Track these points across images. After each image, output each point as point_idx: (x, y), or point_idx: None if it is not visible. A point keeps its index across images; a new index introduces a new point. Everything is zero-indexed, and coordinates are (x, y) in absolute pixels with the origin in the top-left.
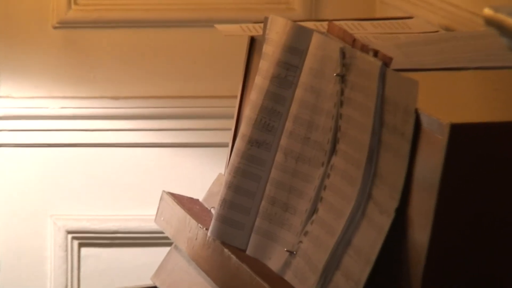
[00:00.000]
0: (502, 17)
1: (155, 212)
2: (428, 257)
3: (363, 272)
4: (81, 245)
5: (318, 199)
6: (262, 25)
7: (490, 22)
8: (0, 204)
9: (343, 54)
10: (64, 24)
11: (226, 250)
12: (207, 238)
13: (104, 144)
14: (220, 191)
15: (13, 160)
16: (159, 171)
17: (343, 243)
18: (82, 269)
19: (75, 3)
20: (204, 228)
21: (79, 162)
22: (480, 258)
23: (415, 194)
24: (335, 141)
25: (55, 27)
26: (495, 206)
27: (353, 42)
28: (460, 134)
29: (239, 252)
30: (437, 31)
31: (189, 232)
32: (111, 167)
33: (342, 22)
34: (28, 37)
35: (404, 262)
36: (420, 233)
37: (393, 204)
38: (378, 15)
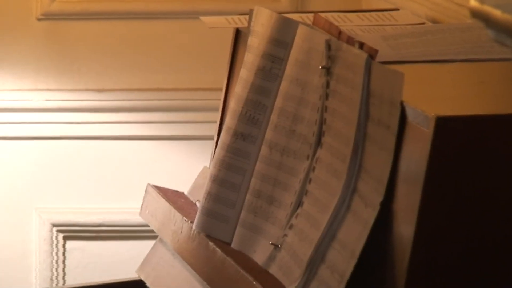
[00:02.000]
0: (488, 8)
1: (140, 205)
2: (413, 250)
3: (348, 265)
4: (66, 238)
5: (303, 192)
6: (247, 17)
7: (476, 14)
8: None
9: (328, 46)
10: (48, 16)
11: (211, 243)
12: (192, 231)
13: (89, 137)
14: (205, 184)
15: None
16: (144, 164)
17: (328, 236)
18: (67, 262)
19: None
20: (189, 221)
21: (64, 155)
22: (465, 252)
23: (400, 187)
24: (320, 134)
25: (39, 19)
26: (481, 199)
27: (339, 34)
28: (446, 126)
29: (224, 245)
30: (423, 23)
31: (174, 225)
32: (96, 160)
33: (328, 14)
34: (12, 28)
35: (389, 256)
36: (405, 226)
37: (378, 197)
38: (364, 7)
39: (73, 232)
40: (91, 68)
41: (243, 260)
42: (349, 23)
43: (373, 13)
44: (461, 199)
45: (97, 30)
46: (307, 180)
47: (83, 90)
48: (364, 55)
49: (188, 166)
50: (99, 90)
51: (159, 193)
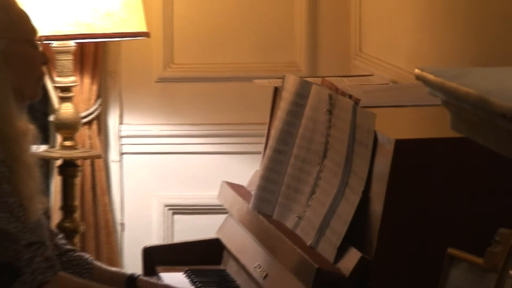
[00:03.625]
0: (426, 74)
1: (217, 193)
2: (382, 221)
3: (343, 229)
4: (173, 213)
5: (315, 185)
6: (281, 80)
7: (419, 78)
8: (128, 189)
9: (330, 97)
10: (162, 79)
11: (260, 216)
12: (249, 209)
13: (186, 152)
14: (257, 181)
15: (133, 163)
16: (220, 169)
17: (331, 212)
18: (174, 229)
19: (170, 66)
20: (247, 203)
21: (172, 163)
22: (414, 222)
23: (374, 182)
24: (325, 150)
25: (156, 81)
26: (425, 190)
27: (336, 90)
28: (401, 145)
29: (268, 217)
30: (387, 83)
31: (238, 205)
32: (191, 165)
33: (330, 78)
34: (138, 87)
35: (367, 224)
36: (376, 206)
37: (361, 188)
38: (352, 73)
39: (178, 210)
40: (187, 111)
41: (280, 226)
42: (343, 83)
43: (357, 77)
44: (412, 190)
45: (192, 88)
46: (318, 178)
47: (182, 124)
48: (351, 103)
49: (246, 170)
50: (192, 124)
51: (228, 186)
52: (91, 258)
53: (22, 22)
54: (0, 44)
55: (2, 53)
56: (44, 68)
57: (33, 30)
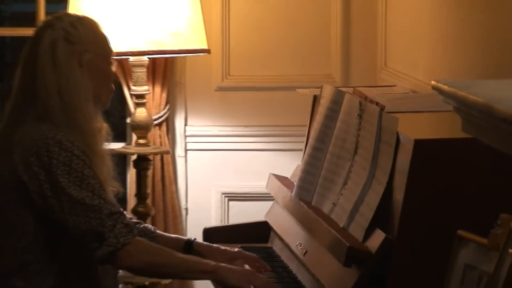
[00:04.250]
0: (440, 85)
1: (266, 183)
2: (402, 208)
3: (370, 214)
4: (229, 200)
5: (347, 177)
6: (320, 89)
7: (434, 88)
8: (191, 180)
9: (360, 104)
10: (221, 88)
11: (301, 203)
12: (292, 197)
13: (241, 149)
14: (299, 173)
15: (195, 158)
16: (268, 163)
17: (360, 200)
18: (229, 213)
19: (227, 77)
20: (291, 192)
21: (229, 158)
22: (431, 211)
23: (396, 175)
24: (356, 148)
25: (215, 90)
26: (440, 182)
27: (365, 98)
28: (420, 144)
29: (308, 203)
30: (408, 93)
31: (283, 193)
32: (244, 160)
33: (360, 88)
34: (201, 95)
35: (390, 210)
36: (398, 195)
37: (385, 180)
38: (378, 84)
39: (233, 197)
40: (241, 114)
41: (317, 211)
42: (370, 92)
43: (382, 87)
44: (427, 182)
45: (245, 96)
46: (349, 171)
47: (237, 126)
48: (378, 109)
49: (289, 165)
50: (245, 126)
51: (275, 177)
52: (154, 228)
53: (104, 43)
54: (86, 56)
55: (87, 64)
56: (122, 80)
57: (111, 51)
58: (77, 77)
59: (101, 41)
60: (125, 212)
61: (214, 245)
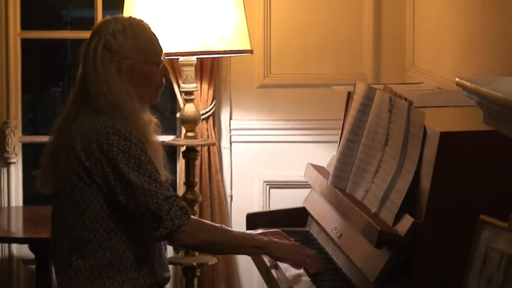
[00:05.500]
0: (463, 82)
1: (304, 172)
2: (429, 195)
3: (400, 199)
4: (270, 188)
5: (379, 166)
6: (353, 86)
7: (458, 84)
8: (235, 169)
9: (390, 99)
10: (263, 86)
11: (336, 190)
12: (328, 185)
13: (281, 141)
14: (334, 163)
15: (239, 149)
16: (306, 154)
17: (390, 187)
18: (270, 199)
19: (268, 75)
20: (327, 180)
21: (270, 149)
22: (456, 198)
23: (423, 165)
24: (387, 140)
25: (258, 87)
26: (464, 171)
27: (395, 94)
28: (445, 137)
29: (343, 190)
30: (434, 89)
31: (319, 181)
32: (284, 151)
33: (390, 85)
34: (244, 92)
35: (417, 197)
36: (425, 182)
37: (413, 169)
38: (407, 81)
39: (273, 185)
40: (281, 109)
41: (351, 198)
42: (400, 89)
43: (410, 85)
44: (452, 171)
45: (285, 92)
46: (380, 160)
47: (277, 120)
48: (407, 104)
49: (326, 155)
50: (285, 120)
51: (312, 167)
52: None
53: (148, 47)
54: (125, 63)
55: (126, 70)
56: (172, 78)
57: (157, 52)
58: (116, 82)
59: (144, 47)
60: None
61: (259, 231)
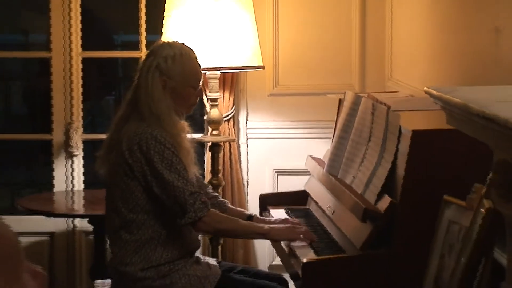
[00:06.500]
0: (430, 90)
1: (304, 162)
2: (404, 180)
3: (380, 184)
4: (278, 174)
5: (364, 157)
6: (343, 94)
7: (427, 93)
8: (251, 160)
9: (373, 105)
10: (273, 94)
11: (330, 176)
12: (324, 172)
13: (288, 138)
14: (328, 155)
15: (254, 144)
16: (307, 148)
17: (373, 174)
18: (278, 184)
19: (276, 86)
20: (323, 168)
21: (279, 144)
22: (425, 183)
23: (399, 156)
24: (370, 137)
25: (268, 95)
26: (431, 161)
27: (377, 100)
28: (416, 134)
29: (335, 176)
30: (407, 96)
31: (317, 170)
32: (290, 146)
33: (373, 93)
34: (258, 99)
35: (394, 182)
36: (400, 170)
37: (391, 159)
38: (386, 90)
39: (281, 172)
40: (287, 113)
41: (342, 182)
42: (380, 96)
43: (389, 93)
44: (422, 161)
45: (290, 100)
46: (365, 153)
47: (284, 121)
48: (386, 108)
49: (322, 149)
50: (290, 121)
51: (311, 158)
52: (226, 201)
53: (190, 75)
54: (170, 83)
55: (170, 89)
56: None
57: (197, 79)
58: (160, 97)
59: (187, 74)
60: (209, 186)
61: (267, 218)
